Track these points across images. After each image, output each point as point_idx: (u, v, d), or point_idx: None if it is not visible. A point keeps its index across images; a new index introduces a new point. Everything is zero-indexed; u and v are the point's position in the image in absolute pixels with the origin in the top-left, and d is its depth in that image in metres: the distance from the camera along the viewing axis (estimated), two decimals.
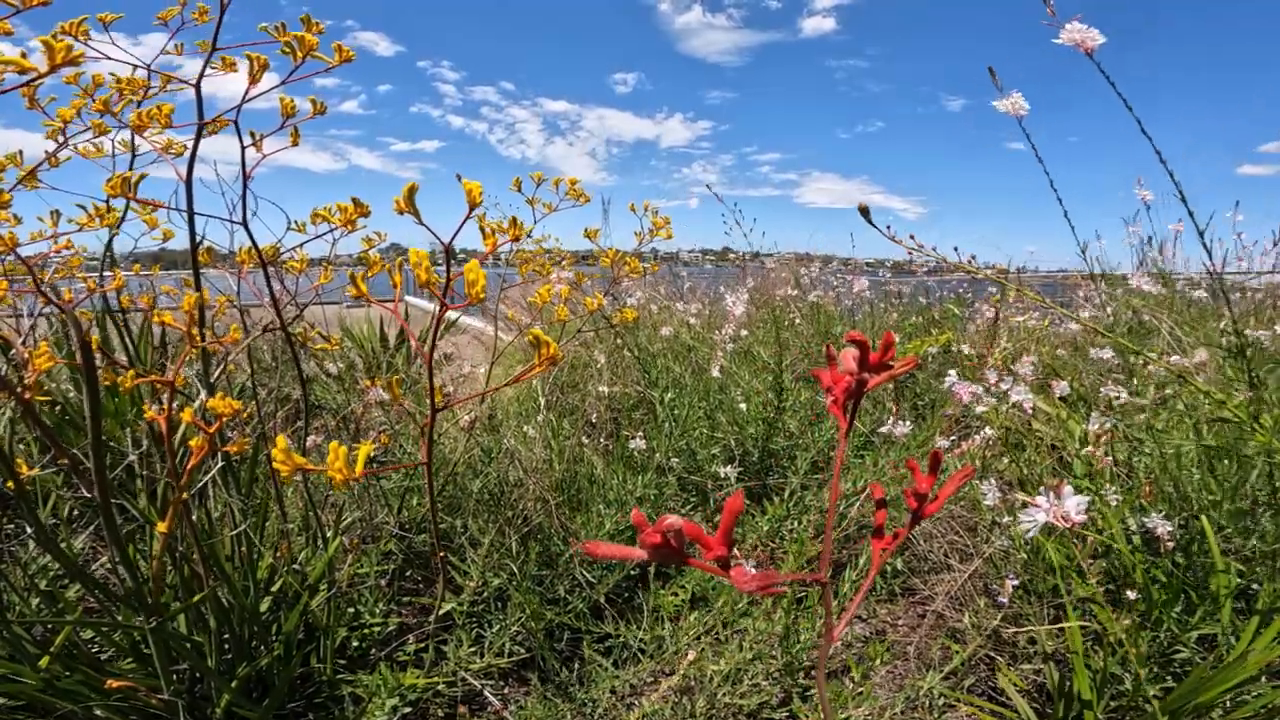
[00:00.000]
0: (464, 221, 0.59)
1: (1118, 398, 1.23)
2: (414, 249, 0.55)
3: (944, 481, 0.36)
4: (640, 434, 1.49)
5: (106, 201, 1.10)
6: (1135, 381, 1.16)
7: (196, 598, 0.87)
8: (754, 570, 0.29)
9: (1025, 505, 0.63)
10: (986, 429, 1.28)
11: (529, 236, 1.37)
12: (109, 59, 0.90)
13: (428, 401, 1.47)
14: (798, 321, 2.41)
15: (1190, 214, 0.80)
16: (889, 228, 0.87)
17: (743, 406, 1.76)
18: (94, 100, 0.95)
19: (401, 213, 0.58)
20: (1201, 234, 0.81)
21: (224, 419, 0.71)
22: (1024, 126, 0.85)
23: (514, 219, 0.62)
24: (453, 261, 0.62)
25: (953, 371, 1.14)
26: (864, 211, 0.71)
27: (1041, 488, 0.63)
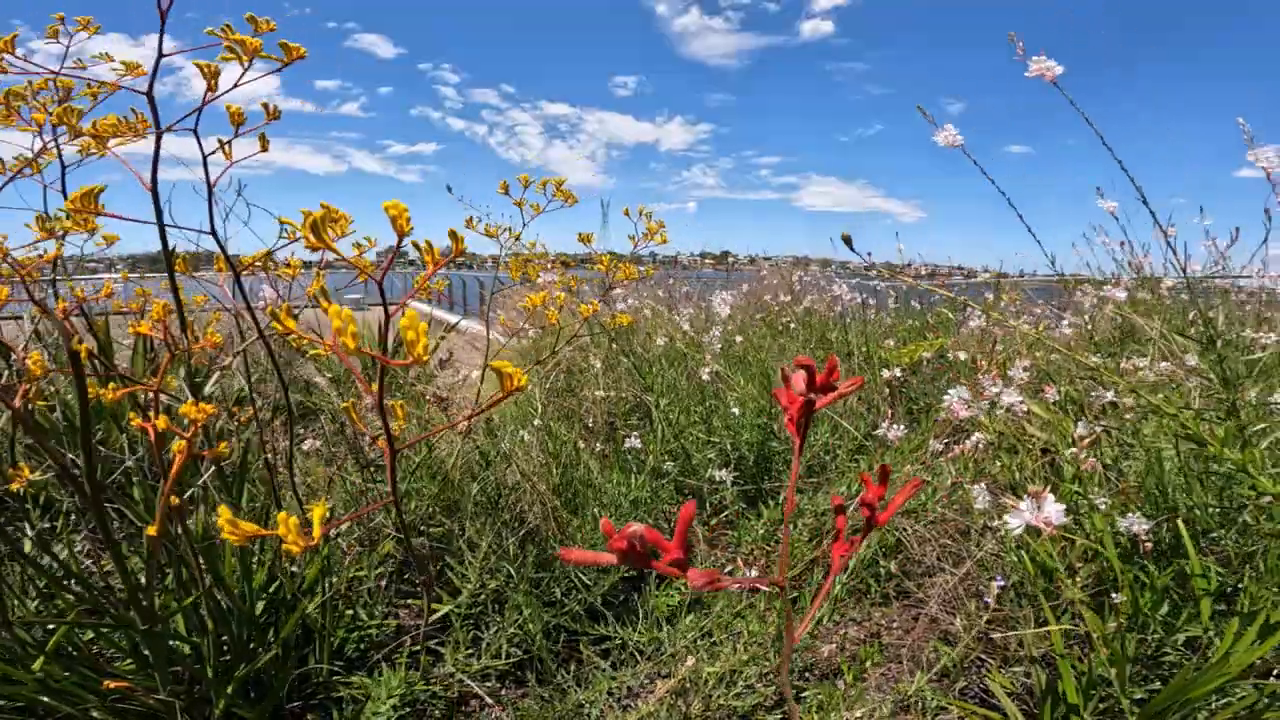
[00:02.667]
0: (394, 257, 0.59)
1: (1112, 403, 1.24)
2: (334, 307, 0.50)
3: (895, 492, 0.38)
4: (635, 435, 1.50)
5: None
6: (1117, 390, 1.17)
7: (188, 600, 0.87)
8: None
9: (1010, 510, 0.65)
10: (979, 433, 1.29)
11: (518, 240, 1.37)
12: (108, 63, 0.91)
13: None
14: (792, 326, 2.43)
15: (1153, 215, 0.82)
16: (869, 254, 0.89)
17: (735, 411, 1.78)
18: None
19: (314, 249, 0.57)
20: (1165, 233, 0.83)
21: (199, 424, 0.72)
22: (967, 153, 0.88)
23: (454, 233, 0.61)
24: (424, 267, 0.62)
25: (951, 390, 1.15)
26: (847, 240, 0.74)
27: (1025, 495, 0.65)
